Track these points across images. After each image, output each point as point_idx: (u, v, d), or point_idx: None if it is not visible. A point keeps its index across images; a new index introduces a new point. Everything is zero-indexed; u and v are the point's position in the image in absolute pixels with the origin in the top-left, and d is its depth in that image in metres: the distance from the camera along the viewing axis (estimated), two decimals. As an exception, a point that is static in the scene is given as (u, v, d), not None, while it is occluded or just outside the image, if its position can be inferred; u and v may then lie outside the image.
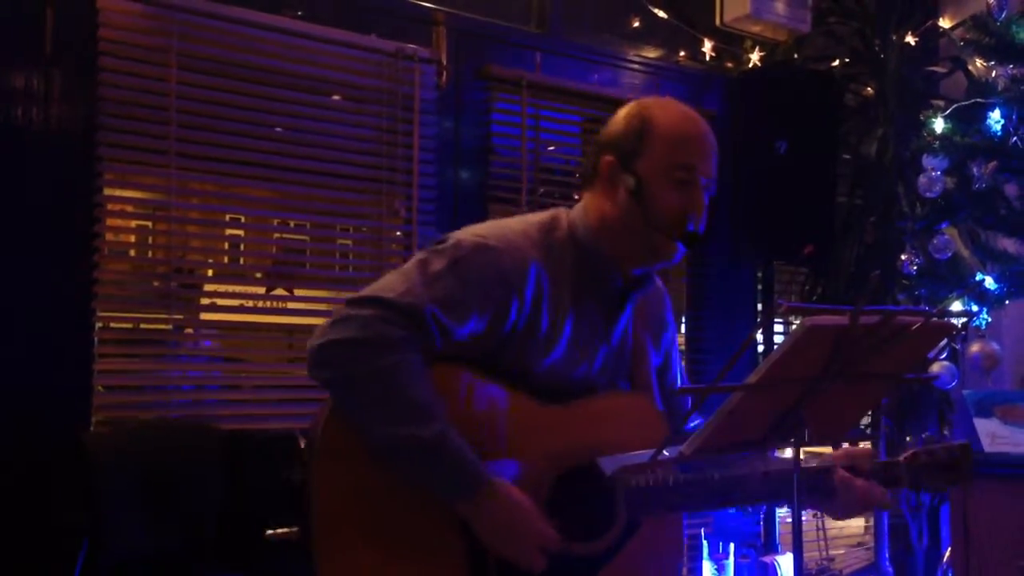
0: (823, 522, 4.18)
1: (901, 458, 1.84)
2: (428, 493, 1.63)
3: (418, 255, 1.71)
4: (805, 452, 1.74)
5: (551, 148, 3.89)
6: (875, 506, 1.80)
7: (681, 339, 4.15)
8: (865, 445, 1.90)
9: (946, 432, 4.03)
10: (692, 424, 1.86)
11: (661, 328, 1.96)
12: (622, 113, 1.82)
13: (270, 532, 1.75)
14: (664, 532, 1.81)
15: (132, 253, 3.13)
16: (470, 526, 1.64)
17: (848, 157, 4.14)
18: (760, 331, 3.71)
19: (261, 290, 3.36)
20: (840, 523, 4.38)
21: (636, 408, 1.83)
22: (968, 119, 3.47)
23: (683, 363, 2.11)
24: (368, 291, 1.66)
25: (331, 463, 1.64)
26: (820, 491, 1.78)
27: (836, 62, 4.26)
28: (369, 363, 1.59)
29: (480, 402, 1.69)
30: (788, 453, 1.61)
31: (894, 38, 4.17)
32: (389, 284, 1.65)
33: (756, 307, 4.17)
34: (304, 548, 1.63)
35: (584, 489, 1.72)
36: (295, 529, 1.68)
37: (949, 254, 3.52)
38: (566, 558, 1.68)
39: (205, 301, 3.17)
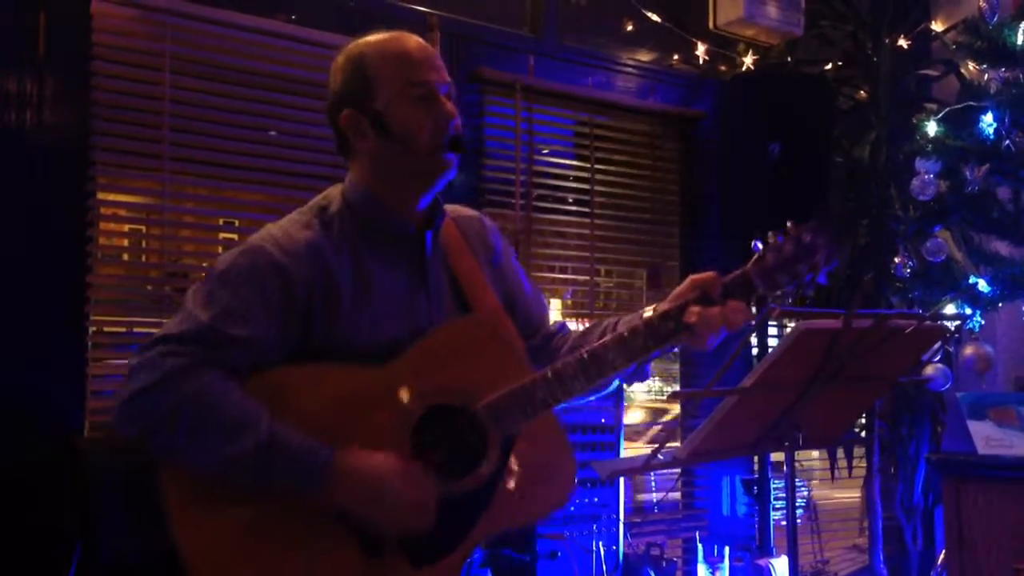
0: (818, 525, 4.20)
1: (748, 265, 1.73)
2: (293, 499, 1.60)
3: (191, 288, 1.69)
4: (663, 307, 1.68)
5: (545, 151, 3.89)
6: (742, 324, 1.66)
7: (675, 342, 4.15)
8: (709, 272, 1.75)
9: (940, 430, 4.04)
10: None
11: (488, 252, 1.93)
12: (336, 67, 1.80)
13: None
14: (548, 450, 1.76)
15: (125, 257, 3.13)
16: (346, 512, 1.61)
17: (841, 160, 4.16)
18: (754, 335, 3.72)
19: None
20: (835, 526, 4.40)
21: (461, 332, 1.77)
22: (960, 122, 3.47)
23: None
24: (151, 336, 1.64)
25: (187, 522, 1.60)
26: (675, 333, 1.69)
27: (829, 65, 4.28)
28: (169, 402, 1.56)
29: (311, 395, 1.65)
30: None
31: (887, 41, 4.18)
32: (168, 323, 1.64)
33: (750, 310, 4.16)
34: None
35: (447, 426, 1.70)
36: None
37: (942, 257, 3.53)
38: (454, 497, 1.67)
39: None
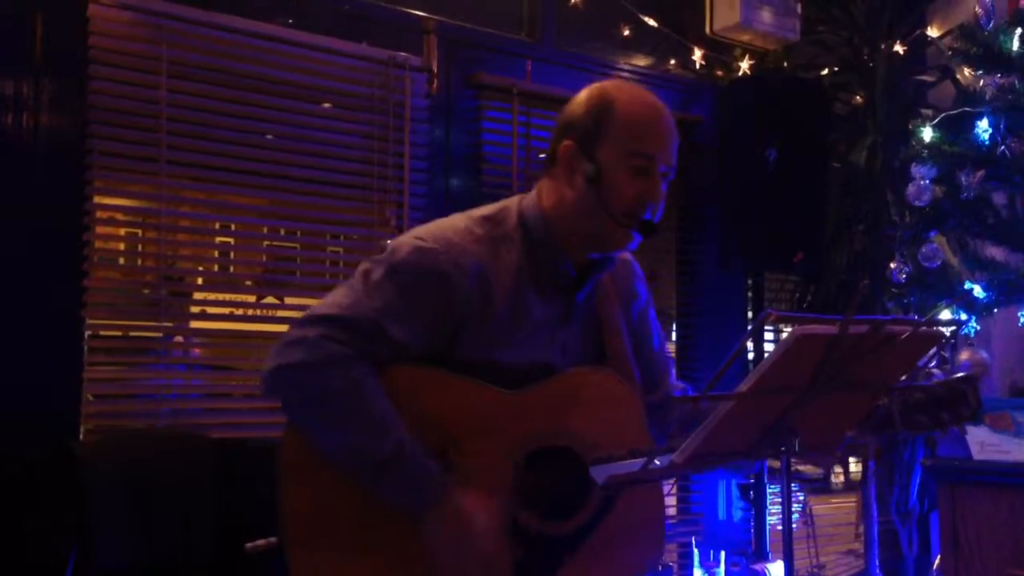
0: (814, 529, 4.19)
1: (891, 399, 1.71)
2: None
3: (362, 265, 1.71)
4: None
5: (541, 156, 3.88)
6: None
7: (672, 347, 4.16)
8: None
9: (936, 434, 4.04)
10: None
11: (631, 299, 1.94)
12: (583, 96, 1.81)
13: (249, 545, 1.74)
14: (644, 515, 1.79)
15: (122, 261, 3.12)
16: (426, 539, 1.65)
17: (837, 165, 4.16)
18: (750, 339, 3.72)
19: (251, 298, 3.35)
20: (831, 531, 4.40)
21: (598, 383, 1.79)
22: (956, 128, 3.48)
23: (663, 331, 2.07)
24: (315, 308, 1.68)
25: (295, 478, 1.65)
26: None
27: (825, 71, 4.28)
28: (319, 385, 1.61)
29: (441, 400, 1.68)
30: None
31: (883, 47, 4.19)
32: (334, 299, 1.68)
33: (747, 315, 4.18)
34: (281, 558, 1.65)
35: (554, 469, 1.72)
36: (274, 540, 1.68)
37: (938, 262, 3.54)
38: (542, 539, 1.69)
39: (195, 309, 3.16)
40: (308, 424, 1.65)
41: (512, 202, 1.84)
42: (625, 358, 1.85)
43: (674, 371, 2.06)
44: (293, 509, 1.64)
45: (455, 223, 1.77)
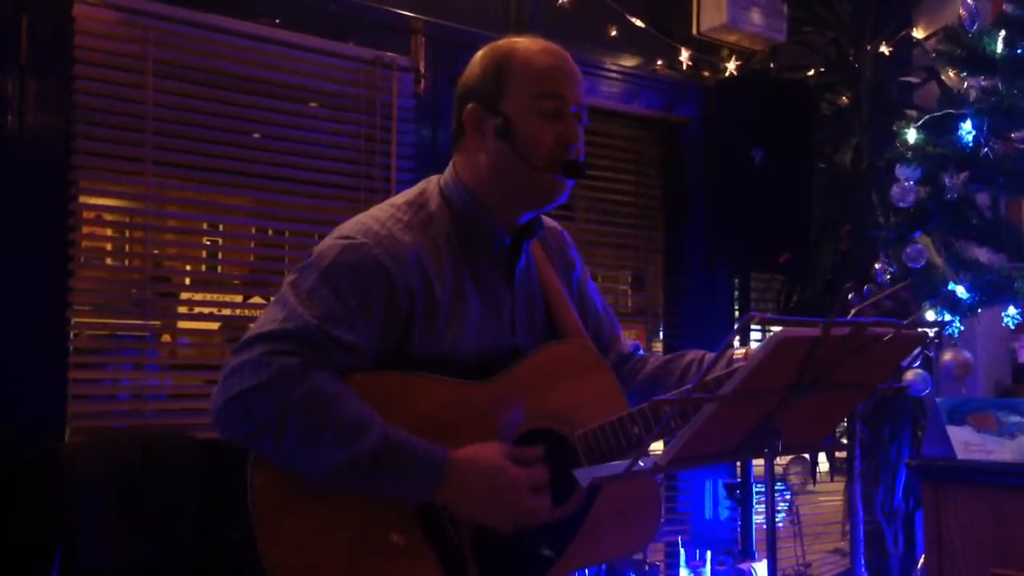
0: (800, 528, 4.21)
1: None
2: (375, 505, 1.57)
3: (288, 277, 1.62)
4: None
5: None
6: None
7: (659, 346, 4.17)
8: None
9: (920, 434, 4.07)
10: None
11: (569, 269, 1.91)
12: (477, 59, 1.75)
13: None
14: (639, 488, 1.77)
15: (108, 261, 3.11)
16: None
17: (823, 166, 4.18)
18: (736, 340, 3.73)
19: (239, 298, 3.34)
20: (818, 529, 4.42)
21: (566, 356, 1.75)
22: (940, 129, 3.49)
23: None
24: (249, 332, 1.56)
25: (269, 517, 1.55)
26: None
27: (811, 71, 4.30)
28: (280, 402, 1.49)
29: (411, 405, 1.61)
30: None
31: (868, 48, 4.21)
32: (268, 316, 1.57)
33: (734, 314, 4.19)
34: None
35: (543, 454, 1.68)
36: None
37: (922, 263, 3.55)
38: (541, 526, 1.66)
39: (182, 309, 3.15)
40: (279, 453, 1.52)
41: (430, 183, 1.77)
42: (577, 327, 1.81)
43: (621, 329, 2.03)
44: (271, 548, 1.52)
45: (377, 215, 1.69)
